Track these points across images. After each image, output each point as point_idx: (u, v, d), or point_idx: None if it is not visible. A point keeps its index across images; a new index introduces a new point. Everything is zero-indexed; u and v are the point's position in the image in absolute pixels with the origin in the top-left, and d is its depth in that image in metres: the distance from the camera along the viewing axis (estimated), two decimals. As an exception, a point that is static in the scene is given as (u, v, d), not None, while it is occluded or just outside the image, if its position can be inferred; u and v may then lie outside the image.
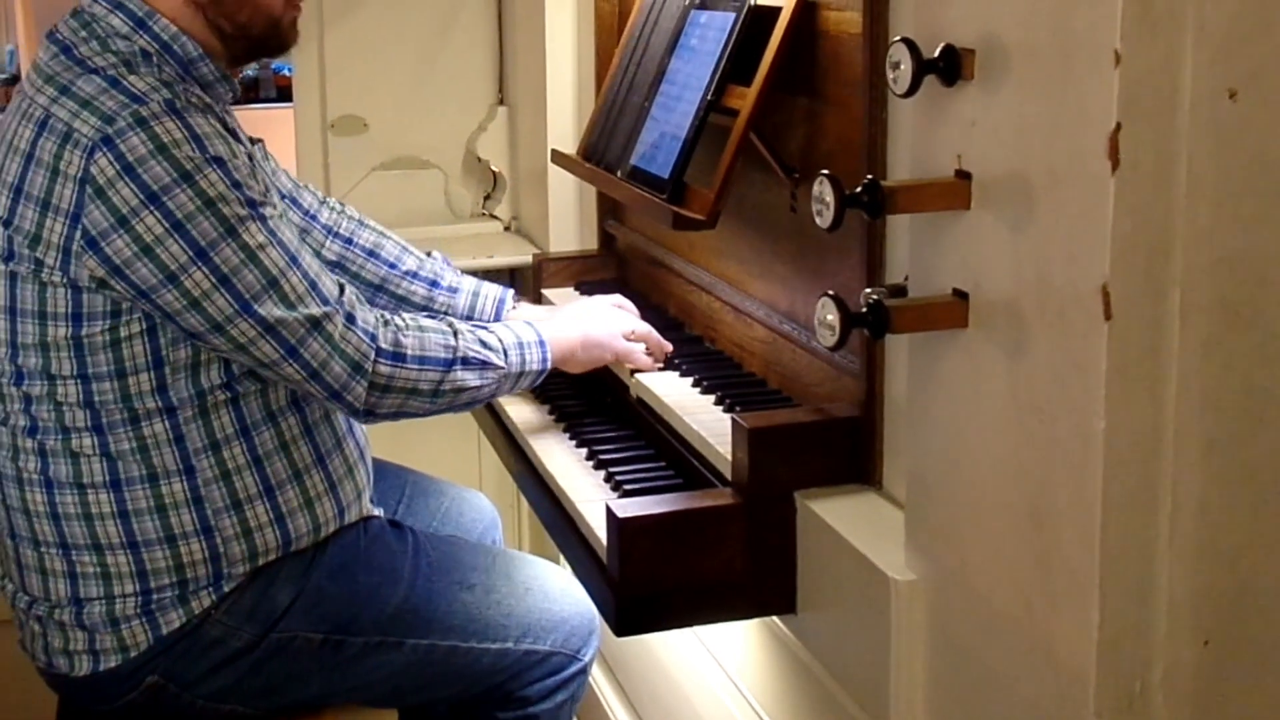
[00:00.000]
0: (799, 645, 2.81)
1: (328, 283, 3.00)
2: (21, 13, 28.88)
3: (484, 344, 3.18)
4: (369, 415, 3.09)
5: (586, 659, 3.46)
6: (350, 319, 3.00)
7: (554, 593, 3.42)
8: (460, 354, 3.12)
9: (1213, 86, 1.78)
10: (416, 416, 3.18)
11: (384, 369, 3.02)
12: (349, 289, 3.05)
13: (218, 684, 3.11)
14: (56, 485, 3.01)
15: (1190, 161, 1.79)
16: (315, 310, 2.94)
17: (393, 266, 3.75)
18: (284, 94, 18.78)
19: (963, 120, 2.08)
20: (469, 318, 3.73)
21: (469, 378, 3.13)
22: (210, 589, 3.06)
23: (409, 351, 3.05)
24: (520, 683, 3.37)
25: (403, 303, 3.74)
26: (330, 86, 4.92)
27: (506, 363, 3.20)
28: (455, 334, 3.15)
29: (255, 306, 2.88)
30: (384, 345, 3.03)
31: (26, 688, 3.56)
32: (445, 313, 3.73)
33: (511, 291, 3.81)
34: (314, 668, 3.16)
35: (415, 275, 3.76)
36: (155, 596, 3.03)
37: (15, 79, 31.34)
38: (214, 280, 2.85)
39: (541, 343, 3.29)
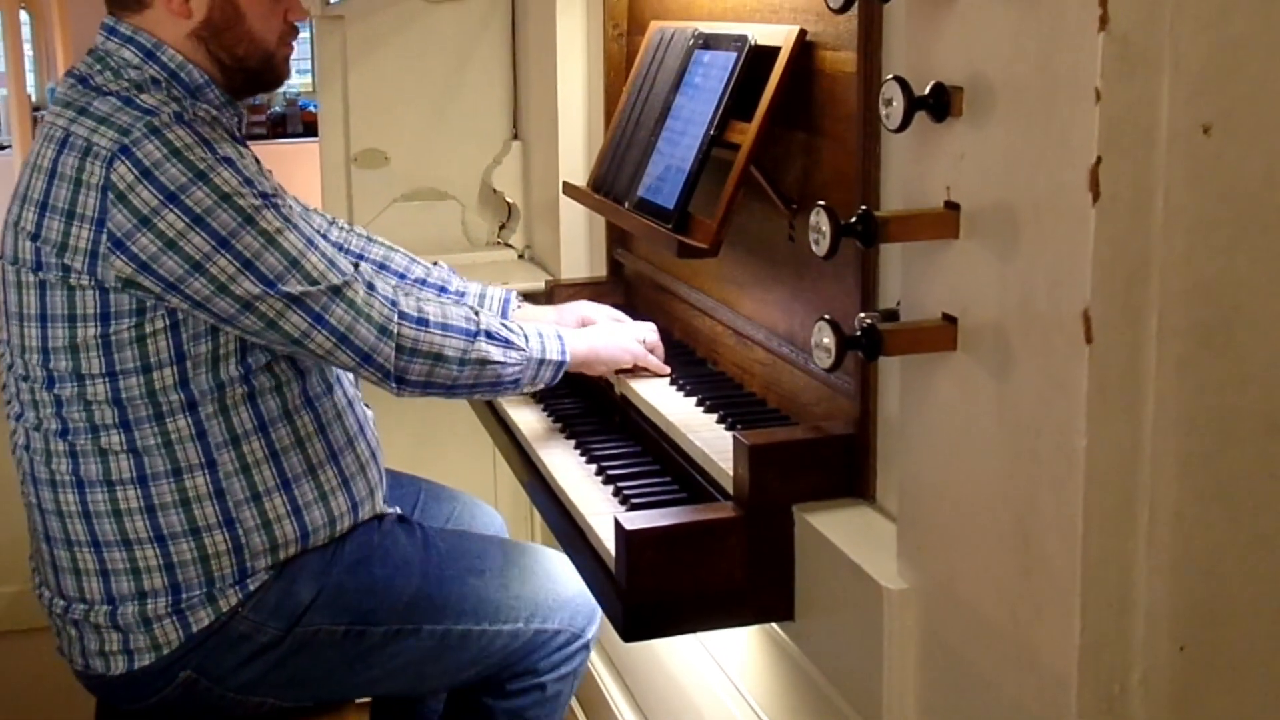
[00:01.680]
0: (797, 650, 2.81)
1: (343, 261, 3.04)
2: (61, 53, 28.94)
3: (505, 326, 3.22)
4: (400, 383, 3.10)
5: (590, 635, 3.49)
6: (370, 287, 3.04)
7: (557, 575, 3.44)
8: (484, 327, 3.16)
9: (1188, 122, 1.78)
10: (446, 389, 3.18)
11: (409, 331, 3.04)
12: (364, 265, 3.09)
13: (248, 677, 3.12)
14: (87, 484, 3.02)
15: (1167, 193, 1.79)
16: (336, 280, 2.98)
17: (402, 276, 3.78)
18: (310, 129, 18.81)
19: (952, 154, 2.08)
20: None
21: (493, 350, 3.15)
22: (236, 587, 3.07)
23: (432, 317, 3.09)
24: (531, 661, 3.39)
25: None
26: (354, 122, 4.93)
27: (528, 345, 3.23)
28: (477, 312, 3.19)
29: (279, 284, 2.91)
30: (407, 309, 3.07)
31: (66, 691, 3.57)
32: None
33: (515, 292, 3.83)
34: (338, 658, 3.18)
35: (424, 282, 3.78)
36: (184, 595, 3.05)
37: (56, 114, 31.16)
38: (238, 265, 2.88)
39: (559, 335, 3.32)
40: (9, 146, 26.48)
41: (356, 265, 3.06)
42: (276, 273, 2.91)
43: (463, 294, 3.79)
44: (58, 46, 28.22)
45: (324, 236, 3.69)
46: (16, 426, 3.14)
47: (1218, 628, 1.93)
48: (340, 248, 3.74)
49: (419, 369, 3.08)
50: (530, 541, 3.78)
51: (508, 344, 3.19)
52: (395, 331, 3.03)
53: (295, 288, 2.92)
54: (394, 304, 3.05)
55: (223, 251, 2.86)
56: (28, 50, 30.80)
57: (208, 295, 2.88)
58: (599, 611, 3.44)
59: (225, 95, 3.15)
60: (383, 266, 3.77)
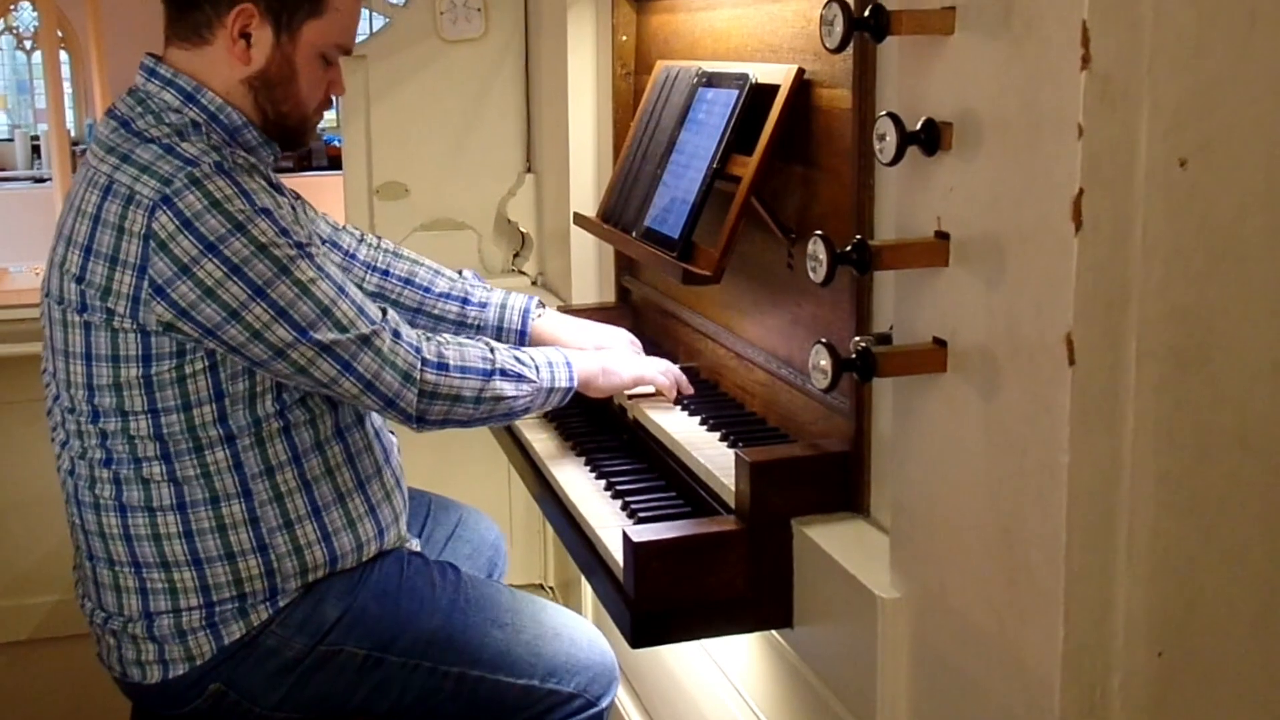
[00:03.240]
0: (795, 656, 2.81)
1: (372, 308, 3.04)
2: (99, 91, 28.98)
3: (518, 360, 3.22)
4: (421, 422, 3.10)
5: (604, 705, 3.45)
6: (396, 335, 3.03)
7: (580, 640, 3.41)
8: (498, 366, 3.15)
9: (1165, 156, 1.78)
10: (462, 424, 3.19)
11: (430, 376, 3.05)
12: (391, 312, 3.09)
13: (273, 693, 3.12)
14: (129, 509, 3.02)
15: (1145, 223, 1.79)
16: (365, 329, 2.98)
17: (427, 291, 3.78)
18: (334, 163, 18.84)
19: (942, 186, 2.08)
20: (499, 327, 3.77)
21: (506, 387, 3.16)
22: (267, 603, 3.07)
23: (451, 362, 3.08)
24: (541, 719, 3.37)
25: (439, 321, 3.77)
26: (376, 156, 4.94)
27: (539, 377, 3.24)
28: (492, 350, 3.19)
29: (311, 333, 2.91)
30: (429, 356, 3.06)
31: (104, 696, 3.58)
32: (477, 327, 3.78)
33: (536, 299, 3.83)
34: (356, 682, 3.17)
35: (448, 296, 3.79)
36: (217, 610, 3.05)
37: (94, 149, 31.15)
38: (273, 313, 2.87)
39: (568, 363, 3.33)
40: (49, 180, 26.61)
41: (385, 312, 3.06)
42: (309, 321, 2.91)
43: (484, 305, 3.79)
44: (95, 85, 28.26)
45: (352, 256, 3.72)
46: (62, 453, 3.15)
47: (1193, 634, 1.93)
48: (369, 266, 3.75)
49: (439, 410, 3.09)
50: (558, 604, 3.76)
51: (520, 378, 3.19)
52: (418, 378, 3.04)
53: (326, 336, 2.92)
54: (418, 351, 3.06)
55: (258, 300, 2.86)
56: (67, 88, 30.87)
57: (243, 341, 2.88)
58: (617, 681, 3.43)
59: (262, 135, 3.15)
60: (408, 281, 3.78)
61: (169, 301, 2.84)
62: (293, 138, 3.23)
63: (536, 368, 3.25)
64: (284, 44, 3.09)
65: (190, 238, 2.82)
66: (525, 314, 3.77)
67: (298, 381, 2.99)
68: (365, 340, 2.98)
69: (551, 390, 3.28)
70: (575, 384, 3.33)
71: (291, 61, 3.10)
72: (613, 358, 3.47)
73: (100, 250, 2.89)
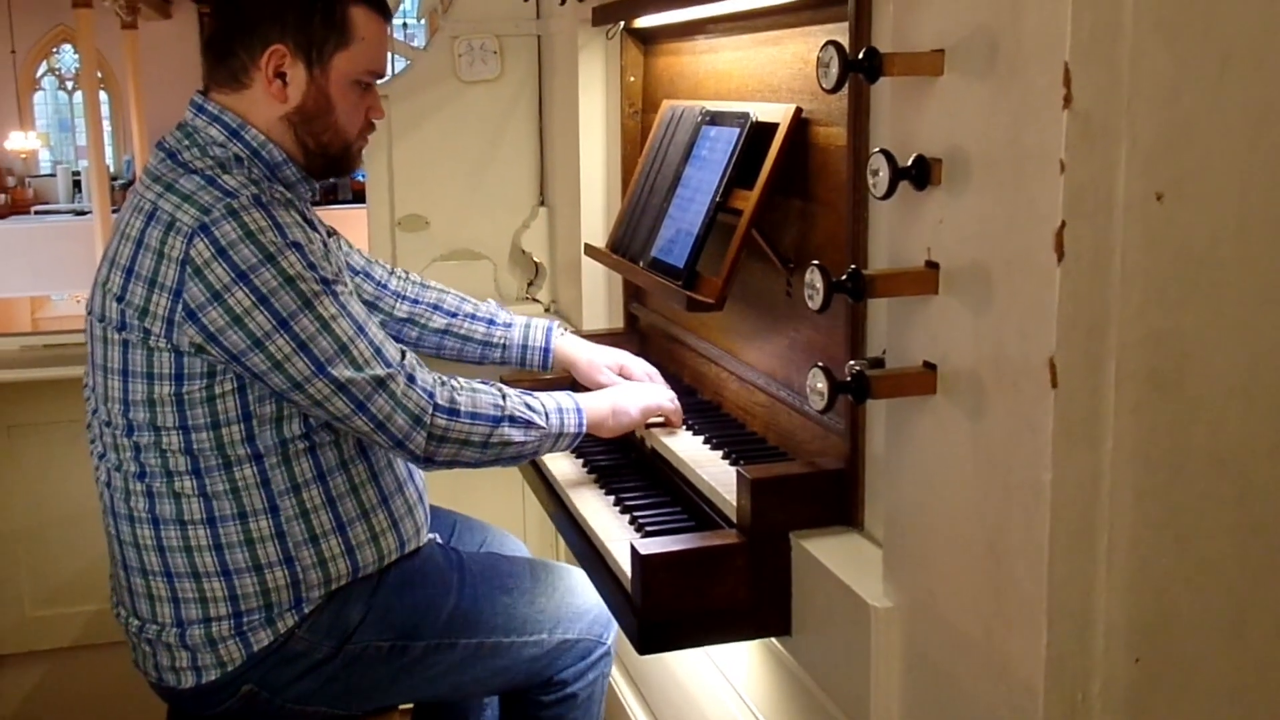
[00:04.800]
0: (794, 662, 2.81)
1: (391, 349, 3.03)
2: (136, 130, 29.08)
3: (529, 406, 3.20)
4: (428, 462, 3.10)
5: (609, 641, 3.48)
6: (411, 379, 3.02)
7: (577, 588, 3.45)
8: (508, 413, 3.14)
9: (1143, 190, 1.79)
10: (469, 466, 3.17)
11: (441, 421, 3.03)
12: (410, 355, 3.08)
13: (304, 689, 3.12)
14: (162, 522, 3.03)
15: (1124, 254, 1.79)
16: (380, 371, 2.96)
17: (454, 314, 3.79)
18: (359, 197, 18.89)
19: (931, 219, 2.08)
20: (524, 345, 3.77)
21: (514, 434, 3.14)
22: (293, 611, 3.07)
23: (463, 408, 3.07)
24: (557, 668, 3.39)
25: (466, 340, 3.77)
26: (398, 190, 4.94)
27: (548, 424, 3.22)
28: (504, 396, 3.16)
29: (329, 368, 2.90)
30: (441, 401, 3.05)
31: (139, 700, 3.58)
32: (503, 344, 3.79)
33: (558, 322, 3.84)
34: (384, 671, 3.18)
35: (474, 316, 3.80)
36: (246, 619, 3.05)
37: (131, 184, 31.33)
38: (294, 346, 2.87)
39: (578, 409, 3.30)
40: (89, 213, 26.67)
41: (403, 354, 3.06)
42: (327, 356, 2.90)
43: (510, 325, 3.81)
44: (133, 123, 28.43)
45: (383, 286, 3.73)
46: (99, 465, 3.15)
47: (1169, 642, 1.93)
48: (399, 295, 3.76)
49: (447, 452, 3.08)
50: (549, 559, 3.77)
51: (529, 425, 3.18)
52: (429, 422, 3.02)
53: (342, 373, 2.92)
54: (431, 396, 3.04)
55: (281, 332, 2.86)
56: (106, 127, 30.98)
57: (264, 370, 2.89)
58: (614, 621, 3.44)
59: (301, 172, 3.16)
60: (436, 306, 3.78)
61: (200, 325, 2.85)
62: (338, 166, 3.24)
63: (546, 414, 3.24)
64: (317, 78, 3.10)
65: (224, 265, 2.82)
66: (549, 332, 3.78)
67: (315, 414, 2.99)
68: (380, 382, 2.97)
69: (560, 435, 3.26)
70: (585, 429, 3.32)
71: (326, 94, 3.12)
72: (622, 395, 3.46)
73: (141, 272, 2.90)
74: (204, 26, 28.90)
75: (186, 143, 3.06)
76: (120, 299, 2.93)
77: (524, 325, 3.81)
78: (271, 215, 2.89)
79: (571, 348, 3.77)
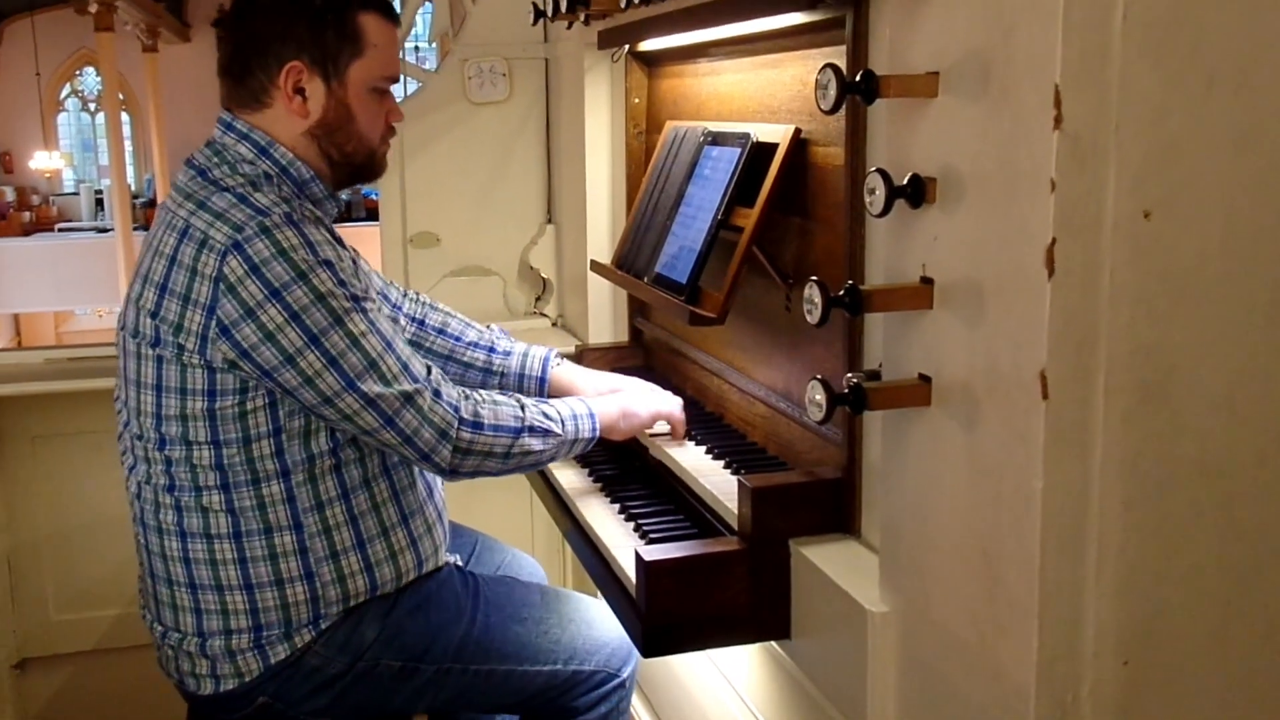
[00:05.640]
0: (793, 665, 2.81)
1: (418, 365, 3.01)
2: (157, 150, 29.09)
3: (545, 415, 3.19)
4: (453, 474, 3.08)
5: (625, 675, 3.44)
6: (437, 394, 3.00)
7: (595, 621, 3.40)
8: (527, 423, 3.13)
9: (1131, 209, 1.79)
10: (491, 475, 3.17)
11: (466, 435, 3.02)
12: (435, 369, 3.06)
13: (317, 703, 3.11)
14: (189, 535, 3.01)
15: (1112, 270, 1.80)
16: (408, 386, 2.95)
17: (457, 340, 3.77)
18: (372, 214, 18.92)
19: (926, 236, 2.09)
20: (521, 374, 3.75)
21: (534, 443, 3.14)
22: (310, 626, 3.06)
23: (486, 421, 3.06)
24: (570, 698, 3.35)
25: (467, 368, 3.75)
26: (410, 208, 4.95)
27: (564, 430, 3.21)
28: (522, 407, 3.15)
29: (358, 383, 2.89)
30: (465, 415, 3.04)
31: (162, 700, 3.59)
32: (502, 373, 3.76)
33: (555, 350, 3.82)
34: (394, 689, 3.16)
35: (476, 345, 3.77)
36: (265, 634, 3.04)
37: (152, 203, 31.45)
38: (324, 361, 2.86)
39: (591, 414, 3.30)
40: (111, 230, 26.70)
41: (429, 370, 3.06)
42: (356, 372, 2.89)
43: (508, 354, 3.77)
44: (153, 144, 28.47)
45: (397, 308, 3.71)
46: (130, 476, 3.14)
47: (1157, 645, 1.93)
48: (410, 317, 3.75)
49: (471, 464, 3.07)
50: (569, 589, 3.75)
51: (547, 433, 3.17)
52: (454, 435, 3.01)
53: (371, 388, 2.91)
54: (456, 410, 3.03)
55: (312, 348, 2.85)
56: (128, 147, 31.00)
57: (296, 385, 2.87)
58: (635, 654, 3.43)
59: (327, 189, 3.15)
60: (440, 331, 3.77)
61: (233, 341, 2.84)
62: (364, 173, 3.23)
63: (562, 421, 3.23)
64: (335, 90, 3.08)
65: (257, 283, 2.81)
66: (545, 362, 3.76)
67: (344, 428, 2.98)
68: (408, 397, 2.96)
69: (576, 440, 3.26)
70: (599, 433, 3.32)
71: (346, 104, 3.10)
72: (629, 399, 3.45)
73: (175, 289, 2.89)
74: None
75: (216, 160, 3.05)
76: (154, 315, 2.92)
77: (522, 354, 3.79)
78: (303, 233, 2.88)
79: (570, 375, 3.75)
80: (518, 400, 3.18)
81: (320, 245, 2.89)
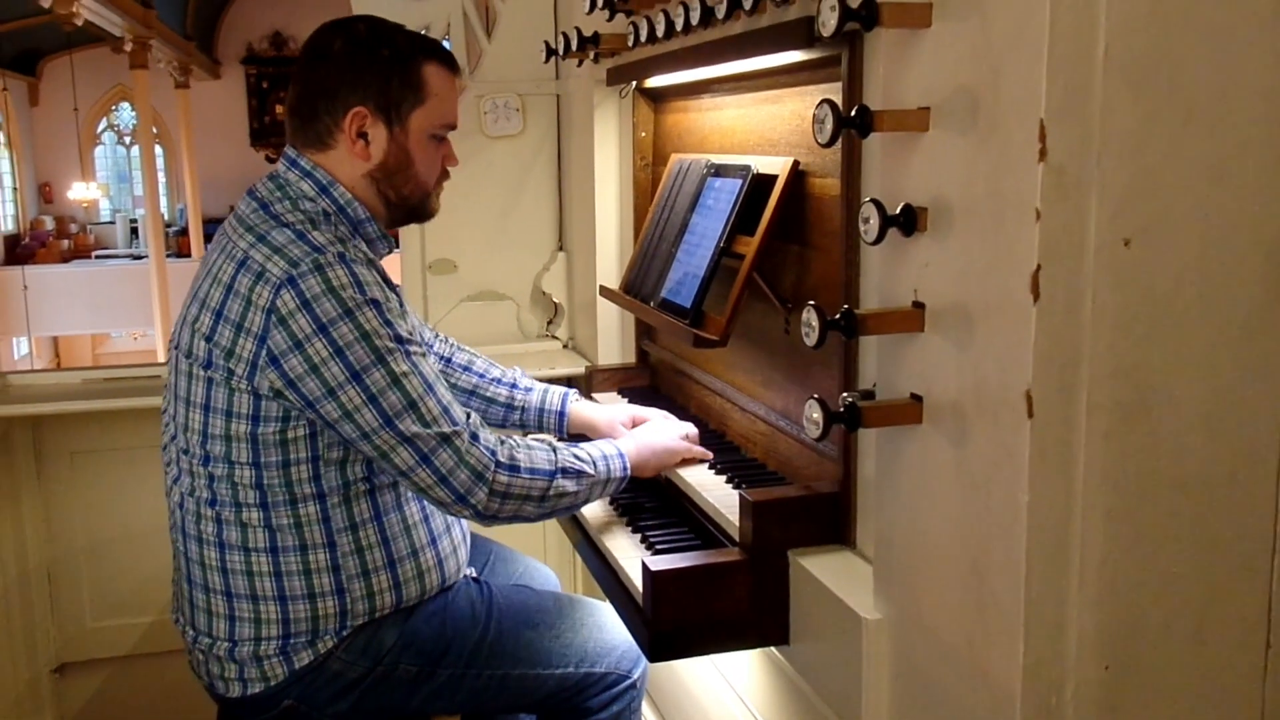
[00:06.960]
0: (792, 669, 2.80)
1: (458, 410, 2.98)
2: (189, 180, 29.11)
3: (577, 457, 3.16)
4: (492, 519, 3.03)
5: (636, 676, 3.42)
6: (474, 437, 2.97)
7: (606, 625, 3.39)
8: (560, 465, 3.09)
9: (1112, 236, 1.79)
10: (528, 520, 3.12)
11: (503, 478, 2.98)
12: (475, 415, 3.04)
13: (339, 706, 3.11)
14: (227, 546, 3.01)
15: (1094, 295, 1.80)
16: (446, 429, 2.92)
17: (481, 376, 3.76)
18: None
19: (918, 262, 2.09)
20: (541, 410, 3.75)
21: (568, 484, 3.10)
22: (334, 635, 3.06)
23: (522, 464, 3.02)
24: (583, 698, 3.34)
25: (490, 403, 3.74)
26: (429, 236, 4.95)
27: (596, 471, 3.18)
28: (554, 450, 3.11)
29: (396, 422, 2.87)
30: (502, 459, 2.99)
31: (194, 704, 3.59)
32: (522, 408, 3.76)
33: (574, 391, 3.82)
34: (411, 692, 3.15)
35: (499, 381, 3.77)
36: (292, 641, 3.04)
37: (184, 231, 31.45)
38: (364, 398, 2.84)
39: (621, 454, 3.26)
40: (145, 257, 26.74)
41: (469, 416, 3.04)
42: (395, 411, 2.87)
43: (529, 390, 3.78)
44: (185, 175, 28.52)
45: (429, 346, 3.69)
46: (173, 487, 3.13)
47: (1137, 651, 1.93)
48: (439, 357, 3.76)
49: (509, 508, 3.03)
50: (580, 595, 3.74)
51: (580, 474, 3.14)
52: (490, 479, 2.97)
53: (409, 428, 2.89)
54: (493, 454, 2.99)
55: (354, 383, 2.84)
56: (161, 178, 31.05)
57: (336, 418, 2.87)
58: (644, 657, 3.43)
59: (381, 229, 3.15)
60: (466, 368, 3.76)
61: (280, 371, 2.83)
62: (418, 214, 3.22)
63: (594, 461, 3.20)
64: (397, 135, 3.08)
65: (307, 317, 2.81)
66: (564, 398, 3.76)
67: (381, 465, 2.97)
68: (445, 439, 2.92)
69: (609, 480, 3.22)
70: (629, 472, 3.28)
71: (406, 149, 3.10)
72: (656, 440, 3.42)
73: (229, 316, 2.88)
74: (250, 87, 29.31)
75: (279, 194, 3.04)
76: (209, 339, 2.92)
77: (542, 391, 3.79)
78: (354, 272, 2.87)
79: (589, 411, 3.74)
80: (549, 443, 3.15)
81: (369, 285, 2.88)
